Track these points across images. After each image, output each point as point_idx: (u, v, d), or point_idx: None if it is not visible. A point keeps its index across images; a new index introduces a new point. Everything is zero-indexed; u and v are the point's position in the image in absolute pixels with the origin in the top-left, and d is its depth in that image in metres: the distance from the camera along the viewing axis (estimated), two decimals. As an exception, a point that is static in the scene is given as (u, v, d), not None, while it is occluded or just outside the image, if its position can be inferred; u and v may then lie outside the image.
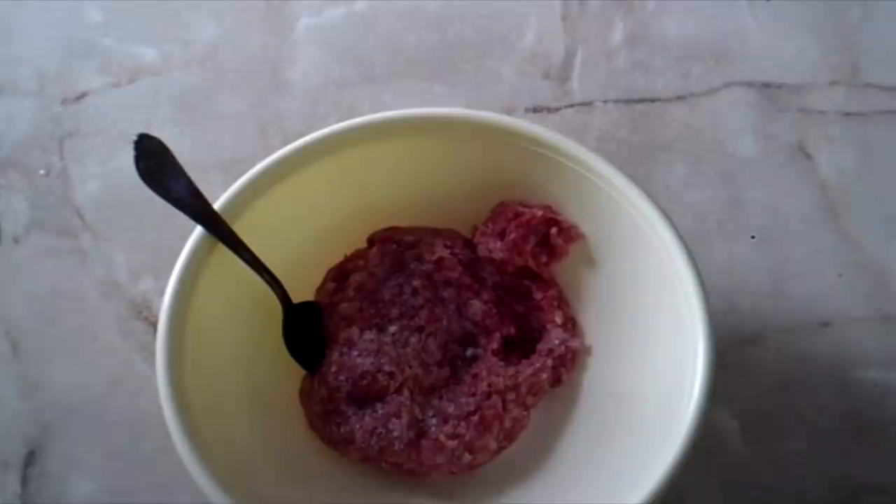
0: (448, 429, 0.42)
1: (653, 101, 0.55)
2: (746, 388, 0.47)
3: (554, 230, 0.44)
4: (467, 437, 0.42)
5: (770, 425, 0.46)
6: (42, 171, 0.55)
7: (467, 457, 0.42)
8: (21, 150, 0.55)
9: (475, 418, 0.42)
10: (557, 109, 0.56)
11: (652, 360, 0.41)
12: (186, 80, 0.57)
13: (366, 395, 0.43)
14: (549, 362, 0.44)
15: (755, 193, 0.52)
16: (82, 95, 0.57)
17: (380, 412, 0.43)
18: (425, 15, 0.58)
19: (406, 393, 0.43)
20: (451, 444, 0.42)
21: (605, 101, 0.56)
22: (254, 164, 0.41)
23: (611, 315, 0.44)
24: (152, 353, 0.38)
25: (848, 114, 0.54)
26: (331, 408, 0.43)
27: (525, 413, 0.43)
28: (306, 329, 0.44)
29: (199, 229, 0.40)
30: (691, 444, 0.35)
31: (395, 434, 0.42)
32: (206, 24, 0.59)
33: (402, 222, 0.46)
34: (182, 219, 0.40)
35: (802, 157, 0.53)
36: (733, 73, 0.56)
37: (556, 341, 0.44)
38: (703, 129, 0.54)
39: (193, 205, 0.40)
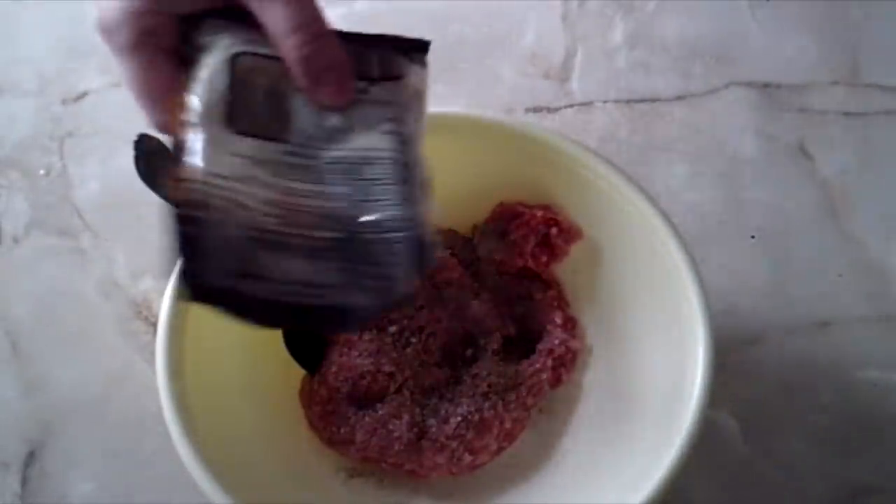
0: (448, 429, 0.42)
1: (653, 101, 0.55)
2: (746, 389, 0.47)
3: (554, 230, 0.44)
4: (467, 438, 0.42)
5: (770, 425, 0.46)
6: (42, 171, 0.55)
7: (467, 457, 0.42)
8: (21, 150, 0.55)
9: (475, 418, 0.42)
10: (557, 109, 0.56)
11: (652, 360, 0.41)
12: (186, 80, 0.57)
13: (366, 396, 0.43)
14: (549, 362, 0.44)
15: (755, 193, 0.52)
16: (82, 95, 0.57)
17: (380, 413, 0.43)
18: (425, 15, 0.58)
19: (406, 393, 0.43)
20: (452, 444, 0.42)
21: (605, 101, 0.55)
22: (254, 164, 0.41)
23: (611, 315, 0.44)
24: (152, 353, 0.38)
25: (848, 114, 0.54)
26: (331, 408, 0.43)
27: (525, 413, 0.43)
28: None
29: (199, 229, 0.40)
30: (691, 444, 0.35)
31: (396, 434, 0.42)
32: (206, 24, 0.59)
33: (402, 222, 0.46)
34: (182, 219, 0.40)
35: (802, 157, 0.53)
36: (733, 73, 0.56)
37: (556, 341, 0.44)
38: (703, 129, 0.54)
39: (193, 205, 0.40)
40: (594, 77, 0.56)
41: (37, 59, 0.58)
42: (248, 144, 0.30)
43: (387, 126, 0.31)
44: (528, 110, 0.56)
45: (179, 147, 0.29)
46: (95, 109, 0.56)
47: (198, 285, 0.30)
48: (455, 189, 0.44)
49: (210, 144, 0.29)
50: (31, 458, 0.47)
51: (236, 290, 0.30)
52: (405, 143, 0.31)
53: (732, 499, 0.45)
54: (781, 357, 0.48)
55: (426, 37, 0.33)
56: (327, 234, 0.30)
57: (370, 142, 0.31)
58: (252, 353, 0.43)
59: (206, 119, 0.29)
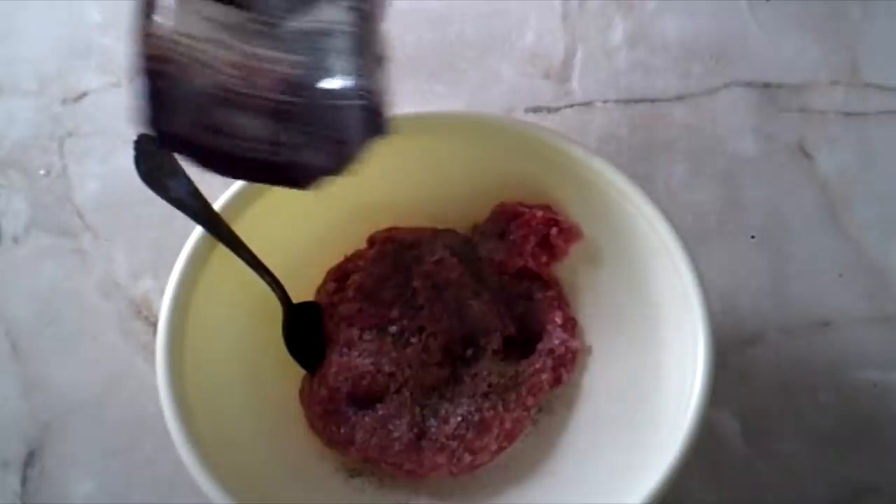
0: (448, 429, 0.42)
1: (653, 101, 0.55)
2: (746, 389, 0.47)
3: (554, 230, 0.44)
4: (467, 438, 0.42)
5: (770, 425, 0.46)
6: (42, 171, 0.55)
7: (467, 457, 0.42)
8: (21, 150, 0.55)
9: (475, 419, 0.42)
10: (557, 109, 0.56)
11: (652, 361, 0.41)
12: (186, 80, 0.57)
13: (366, 396, 0.43)
14: (549, 362, 0.44)
15: (755, 193, 0.52)
16: (82, 95, 0.57)
17: (380, 413, 0.43)
18: (425, 15, 0.58)
19: (406, 393, 0.43)
20: (452, 444, 0.42)
21: (605, 101, 0.55)
22: (254, 164, 0.41)
23: (611, 315, 0.44)
24: (152, 353, 0.38)
25: (848, 114, 0.54)
26: (331, 408, 0.43)
27: (525, 413, 0.43)
28: (306, 329, 0.44)
29: (199, 229, 0.40)
30: (691, 444, 0.35)
31: (396, 435, 0.42)
32: (206, 24, 0.59)
33: (402, 222, 0.46)
34: (182, 219, 0.40)
35: (802, 157, 0.53)
36: (733, 73, 0.56)
37: (556, 341, 0.44)
38: (703, 129, 0.54)
39: (193, 205, 0.40)
40: (594, 77, 0.56)
41: (37, 59, 0.58)
42: (215, 9, 0.32)
43: (347, 2, 0.32)
44: (528, 110, 0.55)
45: (150, 5, 0.31)
46: (95, 109, 0.57)
47: (163, 133, 0.32)
48: (455, 189, 0.45)
49: (179, 5, 0.31)
50: (31, 458, 0.47)
51: (199, 141, 0.32)
52: (364, 19, 0.33)
53: (732, 499, 0.45)
54: (781, 357, 0.48)
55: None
56: (286, 98, 0.32)
57: (331, 14, 0.32)
58: (252, 353, 0.43)
59: None
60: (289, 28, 0.32)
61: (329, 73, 0.32)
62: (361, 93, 0.32)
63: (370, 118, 0.33)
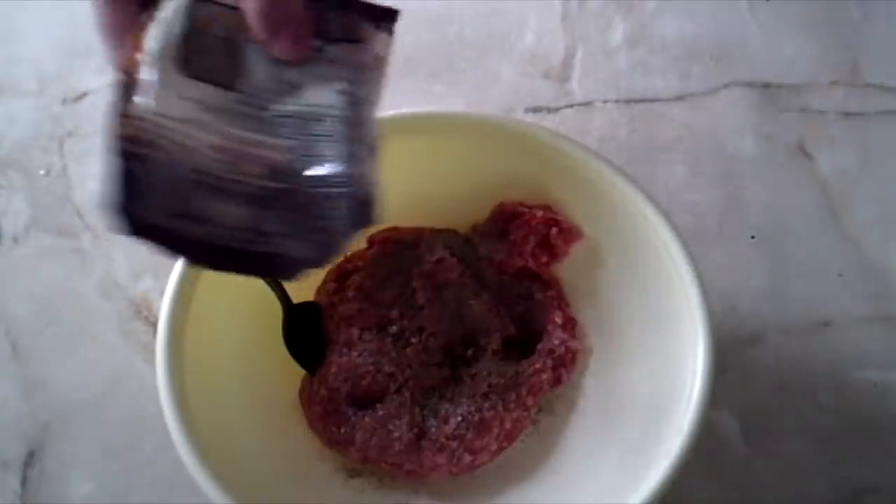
0: (448, 429, 0.42)
1: (653, 101, 0.55)
2: (746, 389, 0.47)
3: (554, 230, 0.44)
4: (467, 438, 0.42)
5: (770, 425, 0.46)
6: (42, 171, 0.55)
7: (467, 457, 0.42)
8: (21, 150, 0.55)
9: (475, 419, 0.42)
10: (557, 109, 0.56)
11: (652, 361, 0.41)
12: (186, 80, 0.57)
13: (366, 396, 0.43)
14: (549, 362, 0.44)
15: (755, 193, 0.52)
16: (82, 95, 0.57)
17: (380, 413, 0.43)
18: (425, 15, 0.58)
19: (406, 394, 0.43)
20: (452, 444, 0.42)
21: (605, 101, 0.56)
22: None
23: (611, 315, 0.44)
24: (152, 353, 0.38)
25: (848, 114, 0.54)
26: (331, 408, 0.43)
27: (525, 413, 0.43)
28: (306, 329, 0.44)
29: (199, 229, 0.40)
30: (691, 444, 0.35)
31: (396, 435, 0.42)
32: (206, 24, 0.59)
33: (402, 222, 0.46)
34: (182, 219, 0.40)
35: (802, 157, 0.53)
36: (733, 73, 0.56)
37: (556, 341, 0.44)
38: (703, 129, 0.54)
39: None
40: (594, 77, 0.56)
41: (37, 59, 0.58)
42: (199, 89, 0.30)
43: (340, 85, 0.31)
44: (528, 110, 0.55)
45: (131, 85, 0.30)
46: (95, 109, 0.56)
47: (134, 220, 0.30)
48: (455, 189, 0.45)
49: (161, 85, 0.30)
50: (31, 458, 0.47)
51: (173, 229, 0.31)
52: (356, 104, 0.31)
53: (732, 499, 0.45)
54: (781, 357, 0.48)
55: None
56: (271, 185, 0.31)
57: (321, 98, 0.31)
58: (252, 353, 0.43)
59: (160, 60, 0.30)
60: (277, 111, 0.31)
61: (318, 160, 0.31)
62: (350, 180, 0.31)
63: (358, 208, 0.31)
